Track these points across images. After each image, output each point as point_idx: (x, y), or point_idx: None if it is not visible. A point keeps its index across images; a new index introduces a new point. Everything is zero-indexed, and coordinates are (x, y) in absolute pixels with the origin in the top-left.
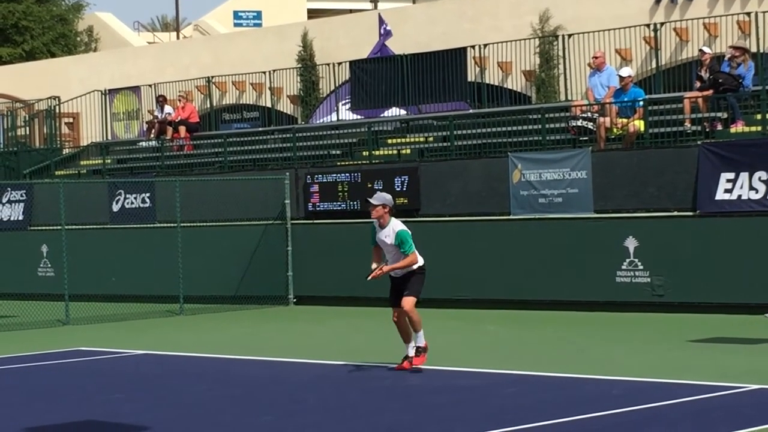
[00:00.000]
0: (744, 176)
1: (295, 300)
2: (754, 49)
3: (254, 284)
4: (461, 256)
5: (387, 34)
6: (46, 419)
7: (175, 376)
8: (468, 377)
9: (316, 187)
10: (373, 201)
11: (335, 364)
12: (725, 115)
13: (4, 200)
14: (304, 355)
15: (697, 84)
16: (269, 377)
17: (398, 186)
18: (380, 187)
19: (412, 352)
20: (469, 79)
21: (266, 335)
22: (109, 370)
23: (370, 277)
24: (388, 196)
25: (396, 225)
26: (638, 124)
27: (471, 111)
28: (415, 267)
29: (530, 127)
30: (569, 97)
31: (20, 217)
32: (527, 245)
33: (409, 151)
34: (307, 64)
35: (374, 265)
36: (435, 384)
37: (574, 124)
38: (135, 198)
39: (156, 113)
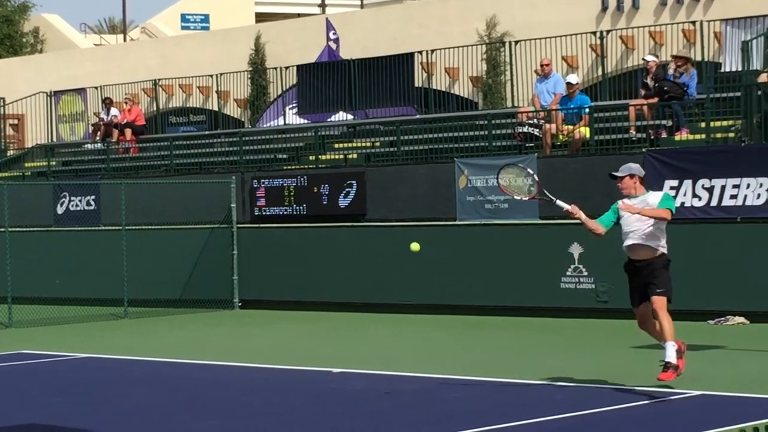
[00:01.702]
0: (687, 184)
1: (240, 304)
2: (699, 58)
3: (199, 288)
4: (406, 261)
5: (336, 41)
6: None
7: (119, 380)
8: (411, 382)
9: (262, 191)
10: (618, 173)
11: (280, 369)
12: (670, 123)
13: None
14: (249, 359)
15: (643, 92)
16: (214, 381)
17: (345, 191)
18: (326, 192)
19: (672, 354)
20: (416, 85)
21: (211, 339)
22: (51, 374)
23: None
24: (635, 165)
25: (657, 193)
26: (584, 131)
27: (418, 116)
28: (661, 248)
29: (477, 132)
30: (516, 104)
31: None
32: (473, 251)
33: (356, 155)
34: (258, 68)
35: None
36: (379, 388)
37: (521, 130)
38: (80, 200)
39: (102, 115)
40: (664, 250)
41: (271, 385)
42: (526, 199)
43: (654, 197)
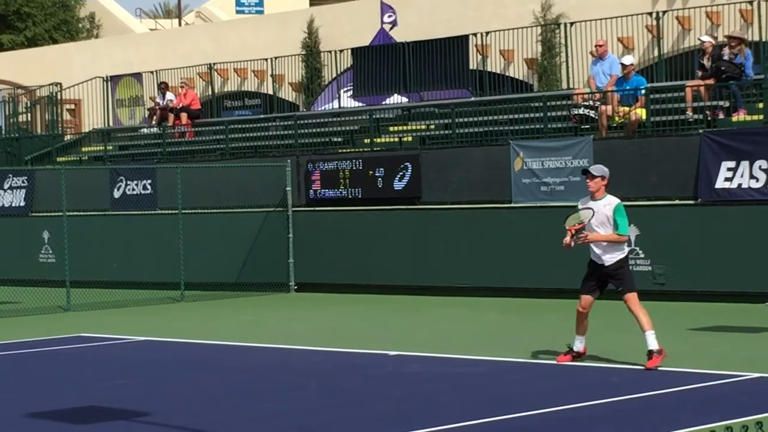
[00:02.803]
0: (745, 165)
1: (296, 287)
2: (756, 38)
3: (255, 271)
4: (463, 243)
5: (393, 23)
6: (47, 405)
7: (176, 362)
8: (469, 365)
9: (317, 174)
10: (593, 171)
11: (336, 351)
12: (727, 104)
13: (6, 186)
14: (304, 342)
15: (699, 72)
16: (270, 364)
17: (399, 173)
18: (381, 175)
19: (580, 347)
20: (471, 67)
21: (267, 322)
22: (109, 357)
23: (565, 243)
24: (606, 168)
25: (613, 199)
26: (640, 113)
27: (473, 99)
28: (621, 255)
29: (532, 115)
30: (571, 86)
31: (22, 204)
32: (529, 233)
33: (410, 138)
34: (311, 51)
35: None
36: (436, 371)
37: (576, 112)
38: (136, 184)
39: (158, 100)
40: (623, 255)
41: (326, 368)
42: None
43: (608, 205)
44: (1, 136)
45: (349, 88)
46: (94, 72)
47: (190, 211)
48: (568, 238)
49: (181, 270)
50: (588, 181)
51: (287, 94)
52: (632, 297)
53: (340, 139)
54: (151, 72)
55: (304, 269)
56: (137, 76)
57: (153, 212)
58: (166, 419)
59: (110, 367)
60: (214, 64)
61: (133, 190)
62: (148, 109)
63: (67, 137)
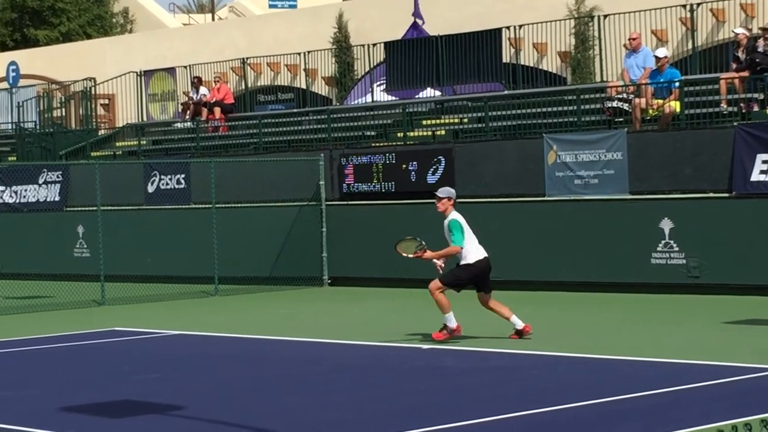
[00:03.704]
0: None
1: (329, 281)
2: None
3: (289, 265)
4: (496, 237)
5: (418, 16)
6: (81, 399)
7: (209, 356)
8: (499, 358)
9: (350, 169)
10: (439, 194)
11: (369, 345)
12: (762, 96)
13: (41, 181)
14: (338, 336)
15: (734, 65)
16: (303, 358)
17: (433, 167)
18: (414, 168)
19: (453, 324)
20: (504, 60)
21: (301, 316)
22: (143, 351)
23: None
24: (452, 190)
25: (453, 215)
26: (674, 105)
27: (506, 92)
28: (463, 262)
29: (565, 108)
30: (605, 78)
31: (56, 198)
32: (562, 226)
33: (443, 132)
34: (342, 46)
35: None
36: (466, 365)
37: (610, 105)
38: (170, 179)
39: (191, 94)
40: (465, 262)
41: (359, 361)
42: (411, 256)
43: (447, 221)
44: (36, 131)
45: (382, 82)
46: (128, 67)
47: (223, 206)
48: (412, 256)
49: (215, 264)
50: (436, 202)
51: (320, 88)
52: (433, 283)
53: (373, 133)
54: (185, 67)
55: (337, 263)
56: (170, 70)
57: (187, 207)
58: (200, 413)
59: (144, 361)
60: (247, 58)
61: (167, 184)
62: (182, 104)
63: (101, 132)
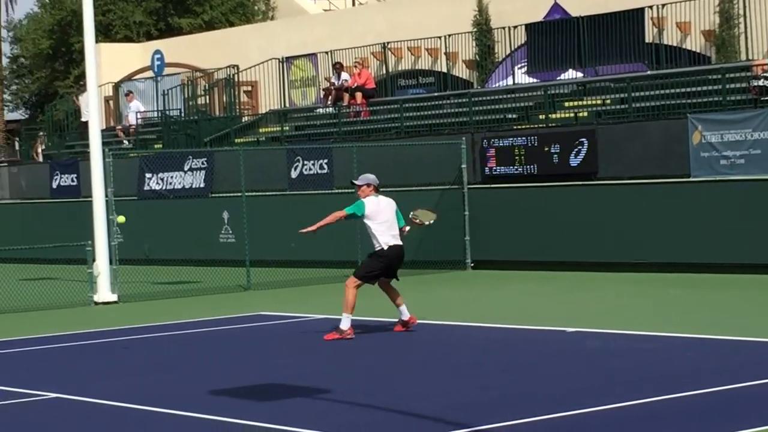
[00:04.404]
0: None
1: (472, 264)
2: None
3: (431, 249)
4: (640, 219)
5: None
6: (229, 383)
7: (355, 340)
8: (648, 341)
9: (492, 152)
10: (356, 182)
11: (513, 328)
12: None
13: (186, 168)
14: (481, 319)
15: None
16: (446, 341)
17: (575, 149)
18: (557, 151)
19: (405, 316)
20: (647, 40)
21: (444, 299)
22: (289, 335)
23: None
24: (372, 176)
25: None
26: None
27: (649, 72)
28: (374, 251)
29: (710, 87)
30: (750, 57)
31: (202, 185)
32: (708, 207)
33: (586, 113)
34: (482, 29)
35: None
36: (614, 347)
37: (756, 83)
38: (313, 164)
39: (333, 80)
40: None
41: (502, 344)
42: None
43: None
44: (181, 118)
45: (523, 64)
46: (270, 53)
47: None
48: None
49: (358, 248)
50: (358, 192)
51: (461, 71)
52: (350, 279)
53: (514, 116)
54: (326, 52)
55: (480, 246)
56: (312, 56)
57: (329, 191)
58: (346, 396)
59: (290, 345)
60: (387, 43)
61: (310, 169)
62: (323, 89)
63: (245, 119)
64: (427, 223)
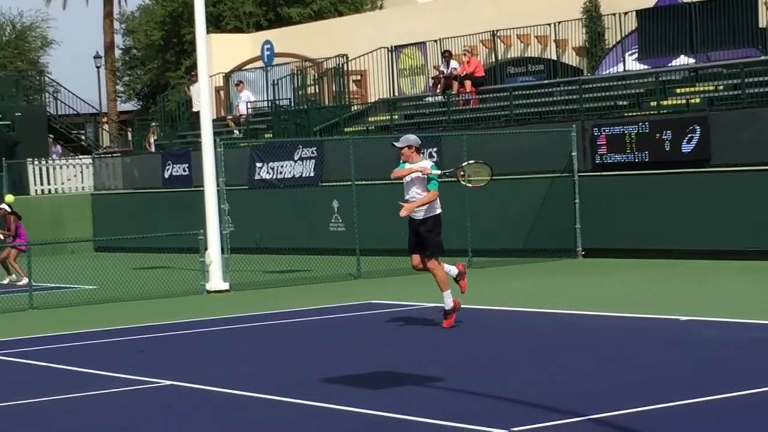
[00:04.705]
0: None
1: (583, 252)
2: None
3: (541, 237)
4: (754, 205)
5: None
6: (341, 370)
7: (465, 328)
8: (761, 330)
9: (603, 139)
10: (396, 144)
11: (623, 317)
12: None
13: (296, 157)
14: (592, 308)
15: None
16: (557, 329)
17: (687, 136)
18: (668, 138)
19: (449, 302)
20: (760, 25)
21: (555, 288)
22: (400, 323)
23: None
24: (413, 137)
25: (426, 161)
26: None
27: (762, 57)
28: (435, 213)
29: None
30: None
31: (312, 174)
32: None
33: (698, 100)
34: (592, 15)
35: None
36: (729, 337)
37: None
38: (422, 153)
39: (442, 68)
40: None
41: (614, 333)
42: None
43: (424, 164)
44: (291, 108)
45: (633, 50)
46: (379, 42)
47: (476, 178)
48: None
49: (468, 237)
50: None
51: (570, 58)
52: (430, 262)
53: (625, 103)
54: (434, 41)
55: (591, 234)
56: (420, 45)
57: (439, 180)
58: (455, 383)
59: (401, 332)
60: (496, 31)
61: None
62: (432, 78)
63: (354, 108)
64: (481, 183)
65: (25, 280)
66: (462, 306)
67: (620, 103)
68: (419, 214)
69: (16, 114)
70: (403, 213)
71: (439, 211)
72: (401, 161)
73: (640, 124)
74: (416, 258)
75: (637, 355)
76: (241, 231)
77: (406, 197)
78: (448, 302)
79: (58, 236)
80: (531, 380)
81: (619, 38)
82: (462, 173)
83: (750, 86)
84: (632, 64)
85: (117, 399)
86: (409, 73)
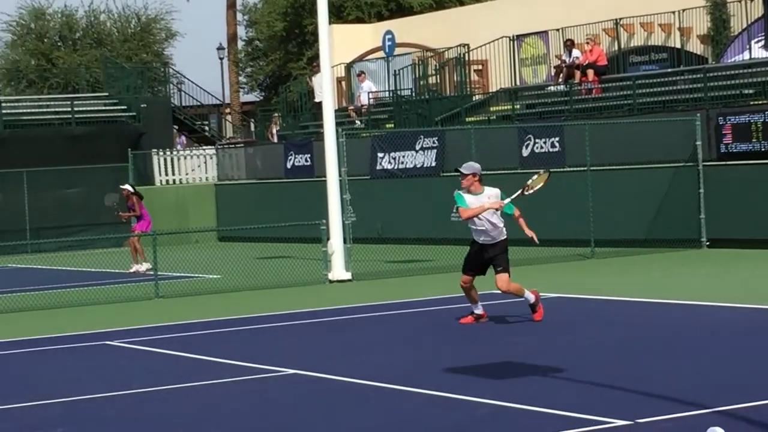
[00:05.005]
0: None
1: (707, 243)
2: None
3: (665, 227)
4: None
5: None
6: (463, 360)
7: (587, 319)
8: None
9: (728, 128)
10: (463, 170)
11: (749, 308)
12: None
13: (418, 147)
14: (717, 299)
15: None
16: (682, 321)
17: None
18: None
19: (479, 311)
20: None
21: (679, 279)
22: (521, 313)
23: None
24: (477, 165)
25: (492, 190)
26: None
27: None
28: (503, 236)
29: None
30: None
31: (433, 164)
32: None
33: None
34: (716, 3)
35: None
36: None
37: None
38: (544, 142)
39: (564, 57)
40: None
41: (737, 325)
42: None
43: (495, 197)
44: (412, 98)
45: (760, 38)
46: (500, 32)
47: (598, 168)
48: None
49: (591, 227)
50: (462, 180)
51: (695, 46)
52: (504, 281)
53: (751, 91)
54: (557, 30)
55: (715, 225)
56: (542, 34)
57: (561, 169)
58: (578, 375)
59: (521, 323)
60: (619, 19)
61: (541, 147)
62: (555, 67)
63: (475, 97)
64: (540, 185)
65: (146, 265)
66: (585, 297)
67: (746, 91)
68: (490, 239)
69: (142, 105)
70: (496, 206)
71: (506, 234)
72: (462, 188)
73: (767, 112)
74: (469, 278)
75: (761, 348)
76: (363, 221)
77: (479, 226)
78: (530, 297)
79: (182, 226)
80: (653, 371)
81: (744, 25)
82: (527, 189)
83: None
84: (758, 51)
85: (244, 386)
86: (530, 62)
